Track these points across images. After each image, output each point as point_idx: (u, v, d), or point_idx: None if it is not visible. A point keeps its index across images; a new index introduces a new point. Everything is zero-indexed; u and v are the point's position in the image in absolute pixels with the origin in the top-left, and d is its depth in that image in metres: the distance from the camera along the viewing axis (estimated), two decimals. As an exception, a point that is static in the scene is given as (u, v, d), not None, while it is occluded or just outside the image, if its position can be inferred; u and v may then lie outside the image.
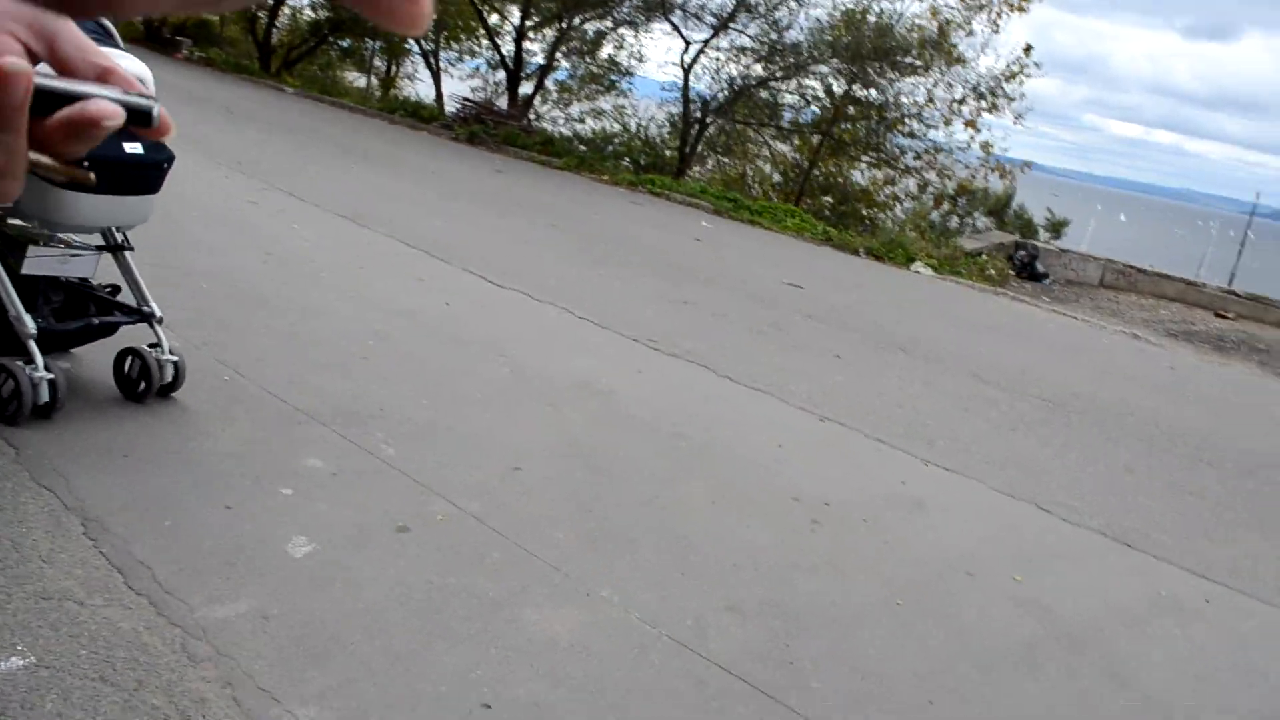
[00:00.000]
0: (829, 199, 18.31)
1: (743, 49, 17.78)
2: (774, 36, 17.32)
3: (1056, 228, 18.90)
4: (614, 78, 19.80)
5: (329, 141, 13.66)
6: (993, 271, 12.91)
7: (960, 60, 16.12)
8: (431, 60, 21.91)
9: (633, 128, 19.66)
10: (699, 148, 18.83)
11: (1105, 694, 3.29)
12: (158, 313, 4.06)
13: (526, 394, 5.08)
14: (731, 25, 17.51)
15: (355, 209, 8.85)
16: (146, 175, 3.87)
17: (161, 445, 3.76)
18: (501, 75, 20.43)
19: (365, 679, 2.65)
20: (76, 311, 4.10)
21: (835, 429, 5.43)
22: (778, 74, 17.66)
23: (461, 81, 21.81)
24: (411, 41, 22.59)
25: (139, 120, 0.52)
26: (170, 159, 3.92)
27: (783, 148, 19.18)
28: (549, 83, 20.15)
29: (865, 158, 17.89)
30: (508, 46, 19.94)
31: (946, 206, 18.43)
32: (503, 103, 19.70)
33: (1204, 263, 16.61)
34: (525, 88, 19.85)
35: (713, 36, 17.83)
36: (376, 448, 4.05)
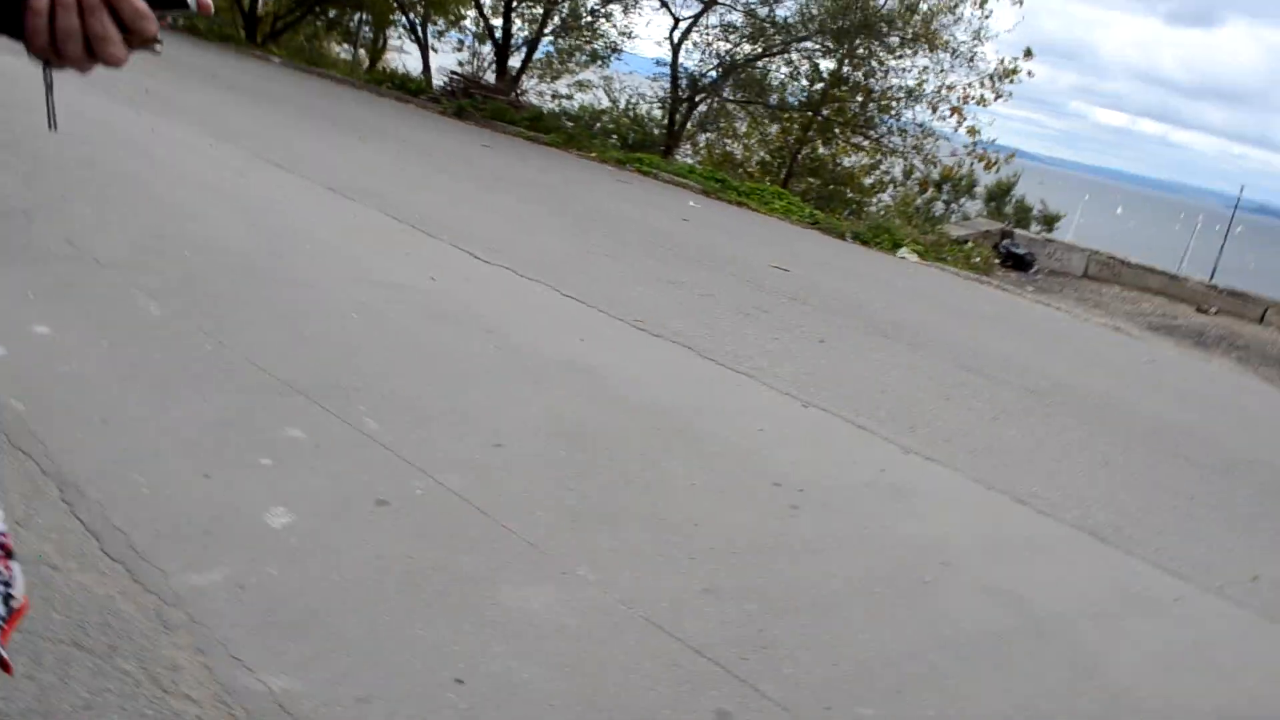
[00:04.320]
0: (815, 181, 18.30)
1: (732, 25, 17.71)
2: (763, 12, 17.26)
3: (1050, 221, 18.98)
4: (600, 48, 19.65)
5: (316, 113, 13.55)
6: (978, 259, 12.95)
7: (946, 45, 16.08)
8: (418, 32, 21.74)
9: (621, 104, 19.59)
10: (688, 126, 18.78)
11: (1072, 686, 3.32)
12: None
13: (510, 371, 5.07)
14: (720, 1, 17.44)
15: (342, 181, 8.80)
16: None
17: (141, 412, 3.74)
18: (489, 48, 20.30)
19: (340, 651, 2.65)
20: None
21: (817, 414, 5.45)
22: (767, 51, 17.61)
23: (448, 54, 21.67)
24: (398, 13, 22.42)
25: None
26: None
27: (772, 129, 19.16)
28: (536, 56, 20.04)
29: (853, 140, 17.87)
30: (496, 19, 19.80)
31: (931, 193, 18.46)
32: (491, 77, 19.59)
33: (1187, 256, 16.71)
34: (513, 61, 19.73)
35: (702, 12, 17.75)
36: (358, 420, 4.04)
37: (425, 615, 2.89)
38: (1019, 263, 13.76)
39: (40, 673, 2.30)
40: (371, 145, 11.59)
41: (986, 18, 15.88)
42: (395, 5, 22.20)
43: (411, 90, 18.28)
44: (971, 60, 16.04)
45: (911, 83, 16.64)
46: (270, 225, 6.81)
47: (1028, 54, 15.99)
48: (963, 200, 19.80)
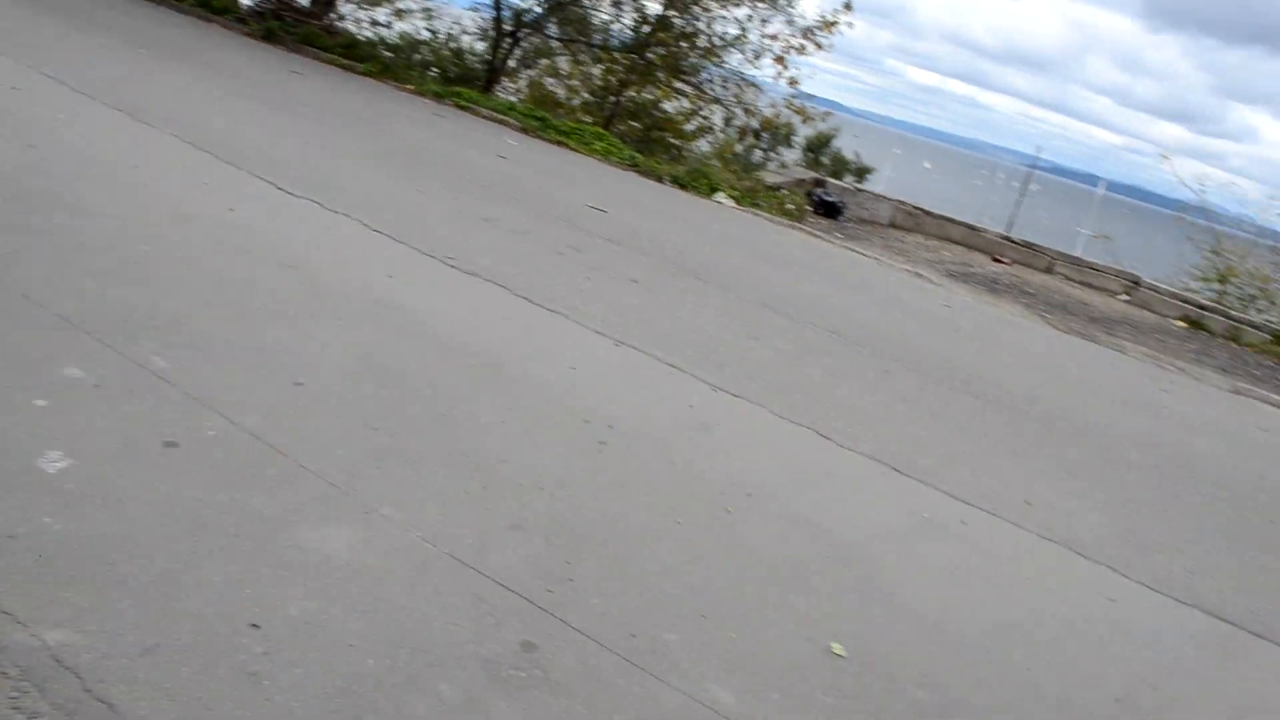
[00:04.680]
0: (637, 124, 18.30)
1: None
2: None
3: (861, 173, 19.63)
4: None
5: (105, 27, 12.56)
6: (791, 206, 13.28)
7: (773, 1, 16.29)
8: (225, -53, 20.41)
9: (441, 37, 18.99)
10: (510, 63, 18.41)
11: (869, 606, 3.51)
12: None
13: (314, 307, 4.89)
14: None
15: (134, 103, 8.21)
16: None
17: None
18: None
19: (124, 599, 2.52)
20: None
21: (628, 352, 5.50)
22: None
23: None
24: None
25: None
26: None
27: (595, 70, 19.00)
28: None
29: (675, 85, 17.93)
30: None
31: (751, 140, 18.76)
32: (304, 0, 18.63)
33: (986, 210, 17.61)
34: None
35: (526, -53, 17.36)
36: (146, 359, 3.81)
37: (217, 559, 2.78)
38: (830, 210, 14.21)
39: None
40: (169, 65, 10.85)
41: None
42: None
43: (216, 8, 17.15)
44: (791, 7, 16.31)
45: (735, 31, 16.78)
46: (50, 147, 6.30)
47: (847, 7, 16.36)
48: (781, 150, 20.22)
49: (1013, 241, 14.80)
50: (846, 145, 21.80)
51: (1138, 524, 5.06)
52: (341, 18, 18.72)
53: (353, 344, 4.54)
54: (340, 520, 3.12)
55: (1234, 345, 12.00)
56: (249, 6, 17.45)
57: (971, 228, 14.99)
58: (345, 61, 14.88)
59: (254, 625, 2.56)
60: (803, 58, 16.75)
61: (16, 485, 2.85)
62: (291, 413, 3.73)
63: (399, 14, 19.22)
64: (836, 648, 3.18)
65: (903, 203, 15.30)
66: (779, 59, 16.60)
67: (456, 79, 16.93)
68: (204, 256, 5.14)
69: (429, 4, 19.28)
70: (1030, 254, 14.46)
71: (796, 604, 3.40)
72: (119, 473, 3.05)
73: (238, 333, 4.31)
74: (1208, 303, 13.27)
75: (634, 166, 13.16)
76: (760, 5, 16.39)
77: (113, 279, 4.51)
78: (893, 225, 14.97)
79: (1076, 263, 14.31)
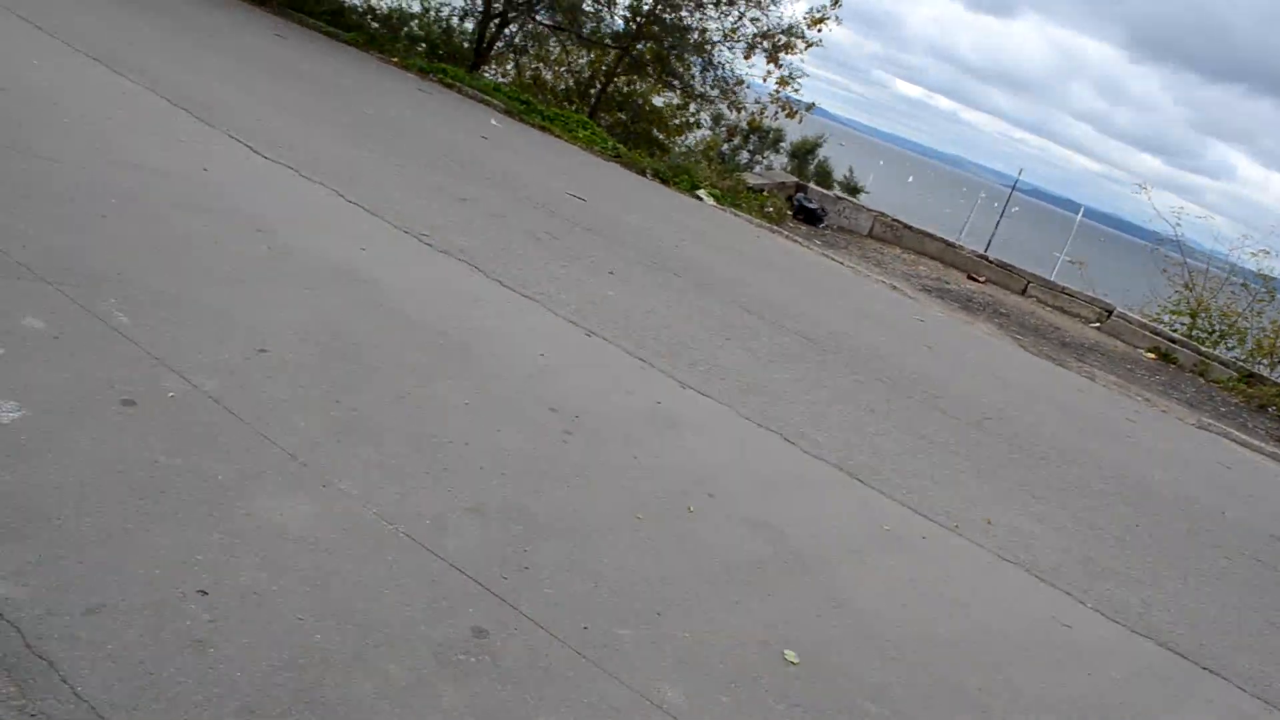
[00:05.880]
0: (623, 115, 18.25)
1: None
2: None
3: (854, 191, 19.51)
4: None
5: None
6: (772, 209, 13.28)
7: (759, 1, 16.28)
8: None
9: (431, 13, 18.81)
10: (497, 45, 18.28)
11: (821, 613, 3.50)
12: None
13: (283, 274, 4.80)
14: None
15: (111, 52, 8.06)
16: None
17: None
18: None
19: (70, 556, 2.46)
20: None
21: (599, 343, 5.46)
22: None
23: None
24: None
25: None
26: None
27: (583, 59, 18.90)
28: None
29: (662, 79, 17.88)
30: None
31: (738, 140, 18.75)
32: (292, -36, 18.38)
33: (965, 228, 17.72)
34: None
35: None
36: (108, 314, 3.73)
37: (169, 523, 2.72)
38: (810, 216, 14.22)
39: None
40: (148, 17, 10.66)
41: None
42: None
43: (201, -32, 16.93)
44: (777, 6, 16.30)
45: (728, 25, 16.75)
46: (20, 92, 6.15)
47: (835, 2, 16.35)
48: (768, 154, 20.17)
49: (989, 261, 14.89)
50: (833, 153, 21.79)
51: (1097, 551, 5.09)
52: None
53: (320, 314, 4.46)
54: (296, 492, 3.07)
55: (1201, 380, 12.14)
56: (238, -34, 17.19)
57: (949, 244, 15.06)
58: (331, 29, 14.72)
59: (202, 592, 2.50)
60: (792, 56, 16.73)
61: (-35, 433, 2.77)
62: (254, 379, 3.66)
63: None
64: (790, 654, 3.17)
65: (883, 214, 15.34)
66: (772, 57, 16.60)
67: (444, 56, 16.78)
68: (174, 214, 5.04)
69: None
70: (1006, 275, 14.55)
71: (752, 607, 3.38)
72: (74, 427, 2.98)
73: (204, 293, 4.22)
74: (1178, 336, 13.42)
75: (617, 157, 13.10)
76: (749, 3, 16.37)
77: (77, 230, 4.40)
78: (872, 236, 15.01)
79: (1051, 286, 14.42)
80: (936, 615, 3.82)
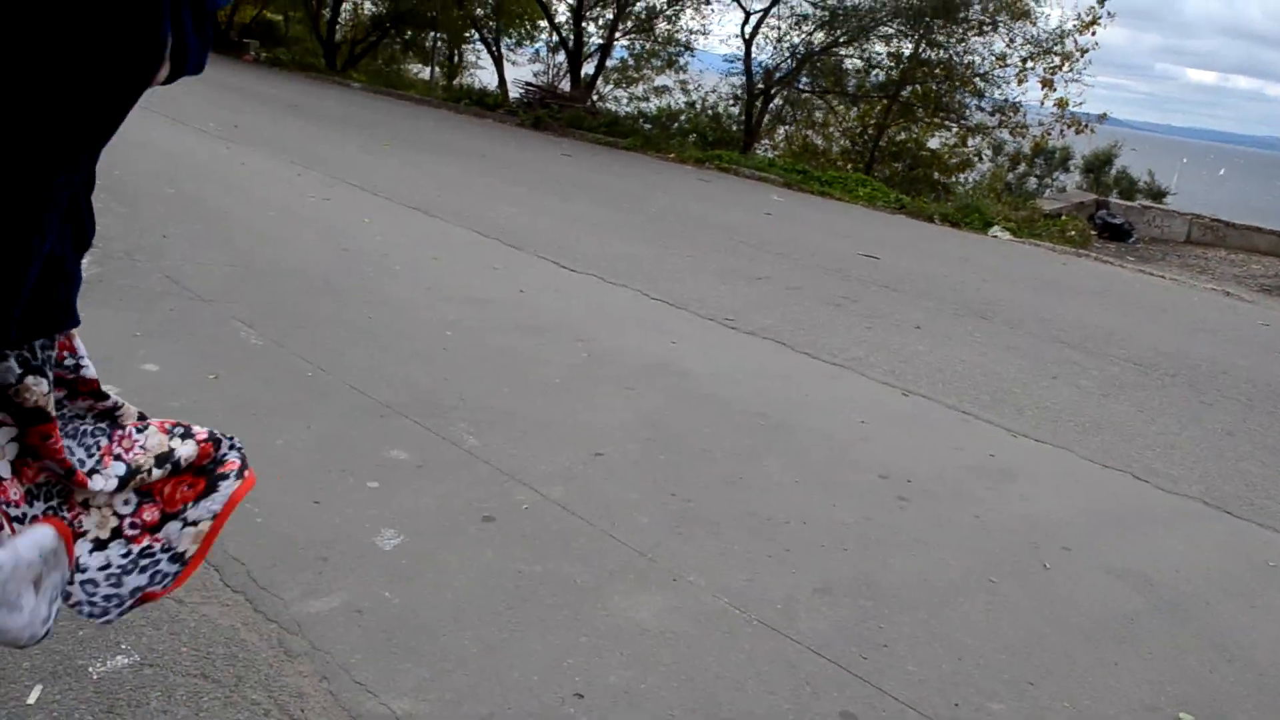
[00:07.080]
0: (900, 165, 17.98)
1: (804, 16, 17.53)
2: (833, 1, 17.01)
3: (1158, 196, 18.07)
4: (674, 51, 19.65)
5: (397, 135, 13.78)
6: (1074, 232, 12.56)
7: (1026, 14, 15.65)
8: (492, 46, 21.98)
9: (697, 105, 19.51)
10: (765, 120, 18.62)
11: (1214, 668, 3.17)
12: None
13: (604, 377, 5.07)
14: (790, -7, 17.27)
15: (426, 200, 8.93)
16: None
17: (250, 441, 3.78)
18: (562, 57, 20.43)
19: (457, 670, 2.66)
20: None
21: (919, 402, 5.33)
22: (841, 39, 17.37)
23: (523, 66, 21.87)
24: (472, 30, 22.71)
25: None
26: None
27: (851, 114, 18.87)
28: (610, 61, 20.10)
29: (935, 119, 17.51)
30: (566, 27, 19.92)
31: (1024, 167, 17.97)
32: (565, 85, 19.71)
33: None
34: (587, 68, 19.82)
35: (772, 5, 17.60)
36: (459, 438, 4.07)
37: (539, 629, 2.89)
38: (1116, 233, 13.32)
39: (173, 707, 2.35)
40: (453, 162, 11.75)
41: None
42: (468, 22, 22.49)
43: (489, 104, 18.50)
44: (1039, 23, 15.59)
45: (997, 52, 16.23)
46: (358, 248, 6.93)
47: (1101, 1, 15.44)
48: (1057, 174, 19.14)
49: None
50: (1127, 160, 20.35)
51: None
52: (602, 98, 19.65)
53: (643, 411, 4.65)
54: (649, 588, 3.17)
55: None
56: (518, 98, 18.64)
57: (1282, 235, 13.61)
58: (609, 139, 15.56)
59: (578, 695, 2.63)
60: (1066, 71, 15.90)
61: (360, 561, 3.09)
62: (594, 482, 3.85)
63: (656, 91, 19.95)
64: (1185, 718, 2.89)
65: (1198, 216, 14.12)
66: (1046, 81, 15.88)
67: (715, 142, 17.30)
68: (500, 337, 5.46)
69: (682, 76, 19.90)
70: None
71: (1133, 667, 3.12)
72: (444, 548, 3.25)
73: (538, 407, 4.52)
74: None
75: (902, 208, 12.90)
76: (1008, 20, 15.78)
77: (422, 364, 4.86)
78: (1189, 242, 13.83)
79: None
80: (1357, 659, 3.37)
